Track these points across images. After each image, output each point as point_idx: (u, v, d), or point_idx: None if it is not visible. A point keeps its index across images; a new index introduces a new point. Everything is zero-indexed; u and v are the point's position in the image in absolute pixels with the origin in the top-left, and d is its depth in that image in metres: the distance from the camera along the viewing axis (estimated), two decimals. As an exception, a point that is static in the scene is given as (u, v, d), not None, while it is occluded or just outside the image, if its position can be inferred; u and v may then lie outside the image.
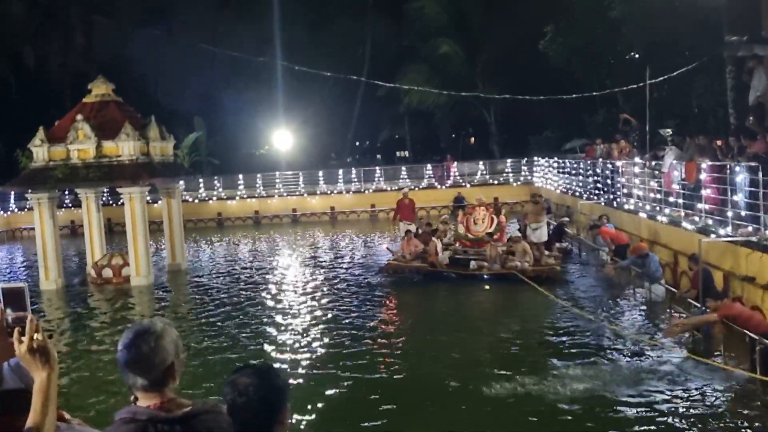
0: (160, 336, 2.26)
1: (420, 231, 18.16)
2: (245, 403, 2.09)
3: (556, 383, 8.69)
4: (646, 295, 13.31)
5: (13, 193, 30.63)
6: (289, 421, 2.20)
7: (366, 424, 8.19)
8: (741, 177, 11.94)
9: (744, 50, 14.65)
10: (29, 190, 18.85)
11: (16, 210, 33.97)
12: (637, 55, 28.27)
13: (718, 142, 14.55)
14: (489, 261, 15.99)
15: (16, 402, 2.16)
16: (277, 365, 9.98)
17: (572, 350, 10.38)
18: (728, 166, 12.44)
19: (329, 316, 13.50)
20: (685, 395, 8.36)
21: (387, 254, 18.42)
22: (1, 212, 33.74)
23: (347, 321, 12.95)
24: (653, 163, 16.68)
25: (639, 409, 7.97)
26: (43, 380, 2.04)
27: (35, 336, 2.04)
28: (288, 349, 11.46)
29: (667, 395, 8.34)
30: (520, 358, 10.19)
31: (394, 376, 9.67)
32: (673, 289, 12.52)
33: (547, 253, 16.64)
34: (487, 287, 15.50)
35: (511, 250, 16.14)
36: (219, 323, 13.49)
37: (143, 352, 2.22)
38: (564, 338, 11.10)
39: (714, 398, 8.30)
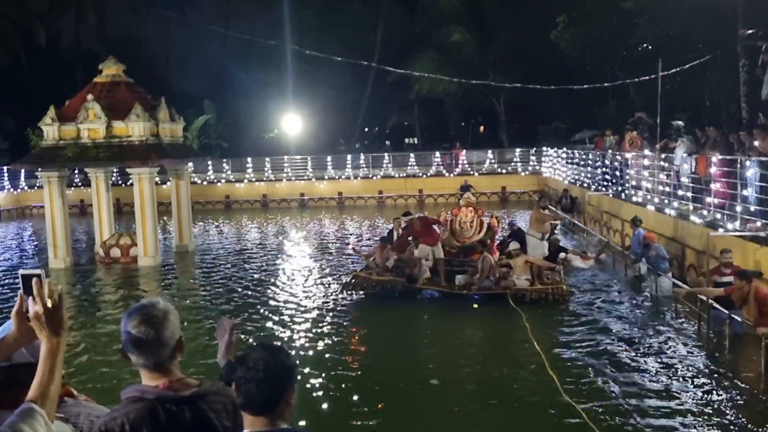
0: (166, 312, 2.28)
1: (396, 234, 14.95)
2: (252, 379, 2.12)
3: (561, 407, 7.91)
4: (652, 288, 13.08)
5: (23, 170, 30.82)
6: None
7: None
8: (752, 171, 11.89)
9: (759, 43, 14.54)
10: (39, 168, 18.95)
11: (26, 188, 34.19)
12: (649, 47, 28.07)
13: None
14: (480, 276, 12.92)
15: (24, 375, 2.20)
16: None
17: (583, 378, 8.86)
18: (739, 161, 12.38)
19: (326, 305, 13.24)
20: (694, 394, 8.29)
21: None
22: (12, 190, 33.95)
23: (339, 317, 12.70)
24: (663, 155, 16.62)
25: (646, 412, 7.81)
26: (53, 346, 2.07)
27: (36, 306, 2.07)
28: (288, 332, 11.54)
29: (675, 394, 8.25)
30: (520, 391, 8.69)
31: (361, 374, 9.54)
32: (680, 283, 12.39)
33: (549, 266, 13.80)
34: (476, 306, 12.53)
35: (508, 263, 13.38)
36: (223, 304, 13.61)
37: (153, 329, 2.23)
38: (570, 365, 9.38)
39: (722, 396, 8.18)
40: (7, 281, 16.79)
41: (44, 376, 2.05)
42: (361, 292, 13.41)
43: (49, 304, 2.09)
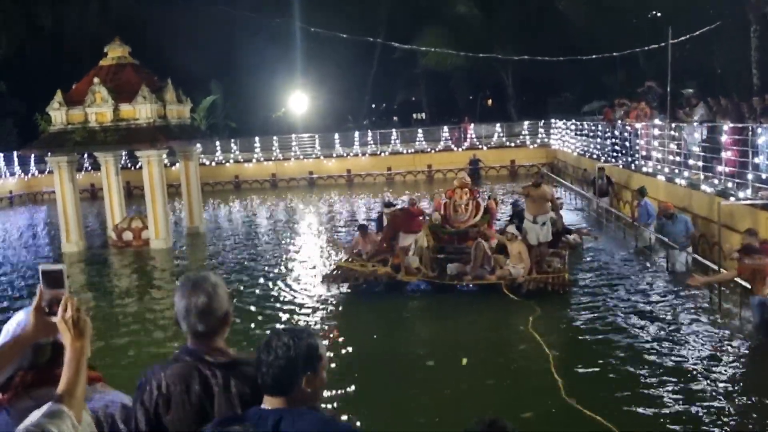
0: (216, 285, 2.44)
1: (385, 220, 13.55)
2: (265, 362, 2.19)
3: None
4: (670, 261, 12.56)
5: (33, 156, 30.94)
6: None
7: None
8: (763, 139, 11.77)
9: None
10: (49, 153, 19.03)
11: (36, 173, 34.37)
12: (659, 15, 27.70)
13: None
14: (473, 264, 11.75)
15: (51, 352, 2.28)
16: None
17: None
18: (750, 128, 12.25)
19: (322, 292, 12.61)
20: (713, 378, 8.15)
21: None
22: (23, 175, 34.15)
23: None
24: (672, 125, 16.45)
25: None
26: (77, 350, 2.13)
27: (68, 312, 2.14)
28: (300, 313, 11.57)
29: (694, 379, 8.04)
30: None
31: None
32: (696, 256, 11.91)
33: (551, 251, 12.66)
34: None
35: (504, 247, 12.08)
36: (236, 285, 13.61)
37: (203, 299, 2.39)
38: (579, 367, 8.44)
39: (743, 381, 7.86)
40: (22, 266, 16.94)
41: (70, 379, 2.09)
42: (345, 285, 12.31)
43: (70, 313, 2.13)
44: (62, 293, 2.18)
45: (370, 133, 35.93)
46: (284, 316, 11.32)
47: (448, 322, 10.77)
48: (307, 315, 11.40)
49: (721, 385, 7.59)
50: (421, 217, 12.61)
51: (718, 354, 8.52)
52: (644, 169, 17.63)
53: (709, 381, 7.69)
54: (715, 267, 10.70)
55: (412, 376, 8.53)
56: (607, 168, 20.35)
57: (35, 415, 2.00)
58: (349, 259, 12.81)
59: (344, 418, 6.91)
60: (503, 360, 8.99)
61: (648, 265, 13.37)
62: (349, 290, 12.30)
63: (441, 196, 13.63)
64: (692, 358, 8.41)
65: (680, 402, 7.21)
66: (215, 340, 2.44)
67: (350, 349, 9.67)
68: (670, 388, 7.51)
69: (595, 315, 10.38)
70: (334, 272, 12.60)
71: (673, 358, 8.40)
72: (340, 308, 11.74)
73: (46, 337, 2.24)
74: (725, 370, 8.04)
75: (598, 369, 8.28)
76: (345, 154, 35.02)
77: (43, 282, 2.20)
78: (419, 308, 11.69)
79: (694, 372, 7.95)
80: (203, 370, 2.38)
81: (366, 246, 12.67)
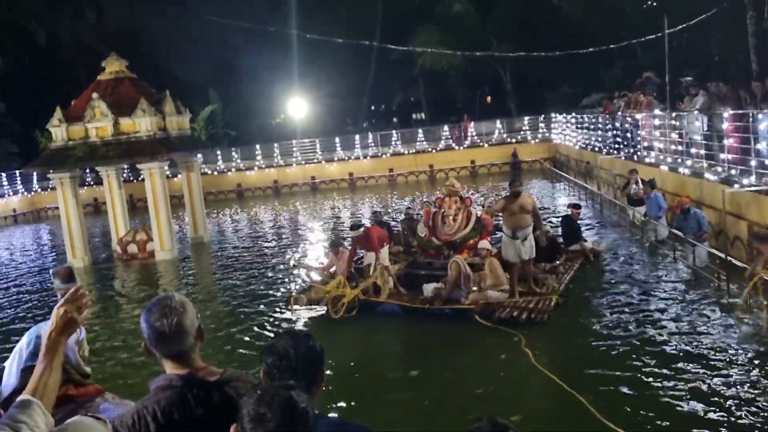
0: (183, 303, 2.37)
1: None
2: (286, 366, 2.17)
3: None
4: (689, 259, 12.01)
5: (35, 173, 31.02)
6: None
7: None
8: (764, 125, 11.73)
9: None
10: (51, 170, 19.07)
11: (39, 190, 34.45)
12: (654, 4, 27.67)
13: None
14: (449, 285, 10.44)
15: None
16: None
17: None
18: (751, 114, 12.20)
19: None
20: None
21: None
22: (26, 193, 34.22)
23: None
24: (674, 114, 16.41)
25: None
26: (53, 342, 2.29)
27: (66, 306, 2.34)
28: (274, 327, 11.35)
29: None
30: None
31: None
32: (716, 252, 11.28)
33: (546, 267, 11.48)
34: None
35: (479, 264, 10.68)
36: (244, 295, 13.59)
37: (175, 321, 2.31)
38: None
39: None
40: (27, 285, 16.96)
41: (45, 369, 2.24)
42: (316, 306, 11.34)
43: (69, 309, 2.32)
44: (75, 284, 2.47)
45: (370, 136, 35.92)
46: (262, 331, 10.94)
47: (427, 337, 10.03)
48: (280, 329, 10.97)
49: (747, 385, 7.28)
50: (380, 235, 11.47)
51: (738, 350, 8.25)
52: (647, 160, 17.58)
53: (732, 381, 7.42)
54: (722, 255, 10.63)
55: (396, 385, 8.42)
56: (607, 160, 20.24)
57: (9, 410, 2.11)
58: (322, 281, 11.60)
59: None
60: (490, 368, 8.63)
61: (659, 262, 12.85)
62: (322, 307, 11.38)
63: (431, 205, 12.49)
64: (711, 359, 8.02)
65: (706, 408, 6.86)
66: (194, 358, 2.36)
67: (330, 361, 9.37)
68: (680, 385, 7.38)
69: (596, 328, 9.49)
70: (303, 293, 11.63)
71: (689, 362, 7.99)
72: (316, 325, 11.04)
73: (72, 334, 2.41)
74: (749, 366, 7.74)
75: (598, 374, 8.03)
76: (346, 158, 35.01)
77: (56, 280, 2.58)
78: (395, 325, 10.80)
79: (716, 372, 7.66)
80: (198, 392, 2.29)
81: (341, 264, 11.47)
